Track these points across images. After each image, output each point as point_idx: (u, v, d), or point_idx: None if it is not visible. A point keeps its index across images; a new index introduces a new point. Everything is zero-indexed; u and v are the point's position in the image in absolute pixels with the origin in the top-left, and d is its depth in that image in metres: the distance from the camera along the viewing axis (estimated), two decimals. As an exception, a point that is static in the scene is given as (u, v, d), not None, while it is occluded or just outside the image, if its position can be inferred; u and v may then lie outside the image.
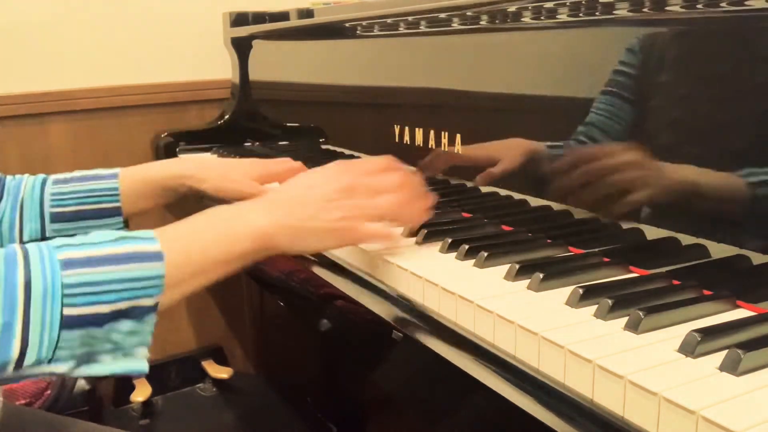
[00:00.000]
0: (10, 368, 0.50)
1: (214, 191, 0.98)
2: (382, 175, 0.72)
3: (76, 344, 0.52)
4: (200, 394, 1.77)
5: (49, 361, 0.51)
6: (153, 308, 0.55)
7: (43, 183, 0.92)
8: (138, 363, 0.56)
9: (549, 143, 0.78)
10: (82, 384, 1.20)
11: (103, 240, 0.56)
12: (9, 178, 0.93)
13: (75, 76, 1.62)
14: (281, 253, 0.67)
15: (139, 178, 0.94)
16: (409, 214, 0.73)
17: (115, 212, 0.92)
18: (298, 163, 1.06)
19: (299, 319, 1.50)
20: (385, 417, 1.35)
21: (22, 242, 0.87)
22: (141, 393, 1.60)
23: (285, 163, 1.06)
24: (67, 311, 0.51)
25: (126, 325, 0.54)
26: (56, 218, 0.91)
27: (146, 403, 1.62)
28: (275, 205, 0.67)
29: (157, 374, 1.70)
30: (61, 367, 0.52)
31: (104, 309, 0.53)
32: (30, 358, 0.50)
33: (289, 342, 1.74)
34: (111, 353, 0.54)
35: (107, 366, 0.54)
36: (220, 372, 1.74)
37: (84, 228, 0.92)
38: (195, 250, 0.60)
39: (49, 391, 1.15)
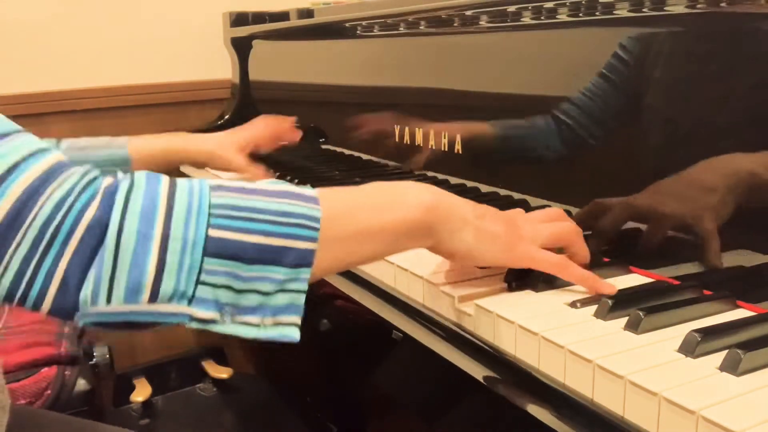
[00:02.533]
0: (145, 295, 0.44)
1: (218, 146, 1.10)
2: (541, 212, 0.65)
3: (220, 282, 0.46)
4: (200, 394, 1.77)
5: (190, 301, 0.45)
6: (307, 258, 0.48)
7: (57, 145, 0.96)
8: (287, 330, 0.49)
9: (545, 139, 0.78)
10: (82, 384, 1.20)
11: (256, 182, 0.51)
12: None
13: (75, 76, 1.62)
14: (435, 244, 0.58)
15: (146, 149, 1.02)
16: (582, 244, 0.63)
17: None
18: (268, 119, 1.18)
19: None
20: (385, 417, 1.35)
21: None
22: (141, 393, 1.60)
23: (259, 126, 1.16)
24: (214, 232, 0.46)
25: (277, 272, 0.48)
26: None
27: (146, 403, 1.62)
28: (439, 190, 0.59)
29: (157, 374, 1.70)
30: (202, 313, 0.46)
31: (253, 239, 0.47)
32: (168, 284, 0.44)
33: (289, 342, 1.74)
34: (258, 312, 0.48)
35: (253, 329, 0.48)
36: (220, 372, 1.74)
37: None
38: (355, 209, 0.54)
39: (49, 391, 1.15)
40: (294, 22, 1.45)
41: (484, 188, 0.88)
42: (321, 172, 1.21)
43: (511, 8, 0.81)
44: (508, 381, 0.53)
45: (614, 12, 0.69)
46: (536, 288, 0.61)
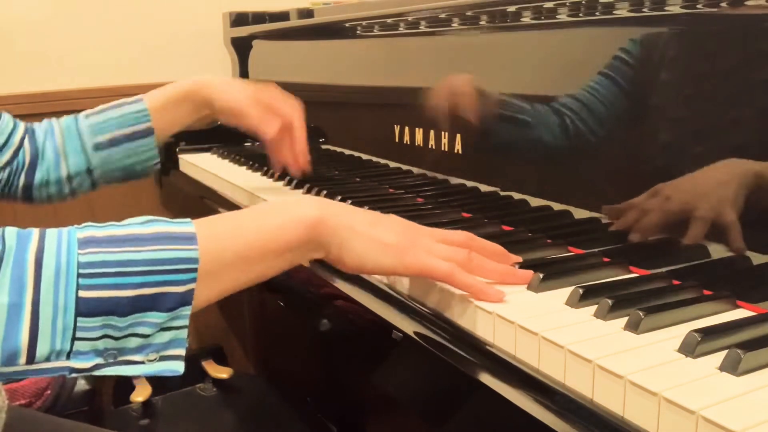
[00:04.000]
0: (22, 359, 0.45)
1: (221, 111, 1.01)
2: (448, 232, 0.64)
3: (97, 335, 0.47)
4: (200, 394, 1.76)
5: (68, 355, 0.46)
6: (185, 299, 0.49)
7: (77, 120, 0.97)
8: (172, 364, 0.50)
9: (546, 139, 0.78)
10: (82, 384, 1.20)
11: (130, 222, 0.51)
12: (36, 123, 0.97)
13: (75, 76, 1.62)
14: (328, 257, 0.59)
15: (162, 97, 1.01)
16: (480, 266, 0.61)
17: (148, 132, 0.98)
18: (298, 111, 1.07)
19: (299, 319, 1.50)
20: (385, 417, 1.35)
21: (69, 177, 0.94)
22: (141, 393, 1.60)
23: (282, 113, 1.04)
24: (84, 293, 0.46)
25: (155, 317, 0.48)
26: (97, 147, 0.96)
27: (146, 403, 1.62)
28: (333, 204, 0.60)
29: (157, 374, 1.70)
30: (82, 364, 0.47)
31: (126, 293, 0.47)
32: (43, 347, 0.45)
33: (289, 342, 1.74)
34: (141, 351, 0.49)
35: (138, 368, 0.49)
36: (220, 372, 1.74)
37: (124, 151, 0.97)
38: (235, 237, 0.54)
39: (49, 391, 1.15)
40: (294, 22, 1.45)
41: (484, 188, 0.88)
42: (321, 172, 1.21)
43: (511, 8, 0.81)
44: (507, 381, 0.53)
45: (614, 12, 0.69)
46: (536, 288, 0.62)
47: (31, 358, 0.46)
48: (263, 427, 1.64)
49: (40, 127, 0.98)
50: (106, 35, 1.65)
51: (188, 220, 0.52)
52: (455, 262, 0.59)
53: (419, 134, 0.98)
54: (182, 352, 0.51)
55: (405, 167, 1.05)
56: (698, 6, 0.61)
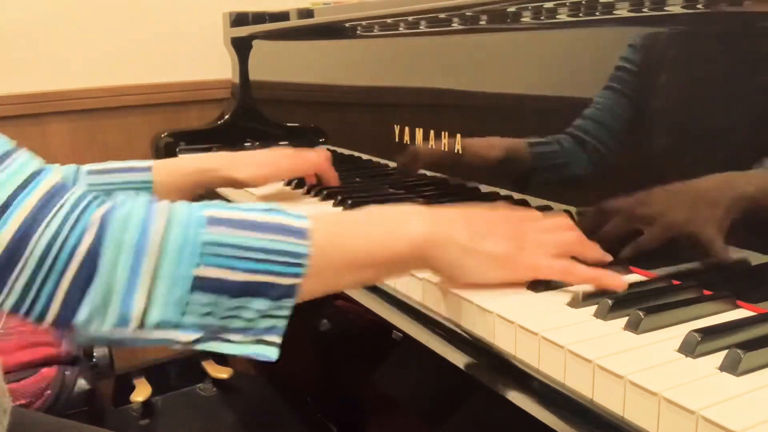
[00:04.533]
0: (133, 324, 0.47)
1: (252, 179, 0.99)
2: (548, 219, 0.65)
3: (205, 312, 0.49)
4: (200, 394, 1.77)
5: (176, 326, 0.48)
6: (291, 291, 0.51)
7: (76, 173, 0.92)
8: (267, 349, 0.51)
9: (545, 139, 0.78)
10: (82, 384, 1.20)
11: (253, 207, 0.52)
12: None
13: (75, 76, 1.62)
14: (437, 273, 0.60)
15: (173, 171, 0.95)
16: (591, 250, 0.63)
17: None
18: (324, 155, 1.05)
19: (299, 319, 1.50)
20: (385, 417, 1.35)
21: None
22: (141, 393, 1.60)
23: (310, 160, 1.04)
24: (201, 271, 0.48)
25: (260, 303, 0.50)
26: None
27: (146, 403, 1.62)
28: (441, 217, 0.59)
29: (157, 374, 1.70)
30: (186, 336, 0.49)
31: (239, 277, 0.49)
32: (154, 316, 0.47)
33: (289, 342, 1.74)
34: (241, 332, 0.50)
35: (235, 347, 0.50)
36: (220, 372, 1.74)
37: None
38: (346, 240, 0.55)
39: (49, 391, 1.15)
40: (294, 22, 1.45)
41: (484, 188, 0.88)
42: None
43: (511, 8, 0.81)
44: (507, 381, 0.53)
45: (614, 12, 0.69)
46: (535, 288, 0.61)
47: (142, 325, 0.47)
48: (263, 427, 1.64)
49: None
50: (106, 35, 1.65)
51: (305, 215, 0.53)
52: (568, 251, 0.61)
53: (419, 134, 0.98)
54: (279, 339, 0.52)
55: (405, 167, 1.05)
56: (698, 6, 0.61)
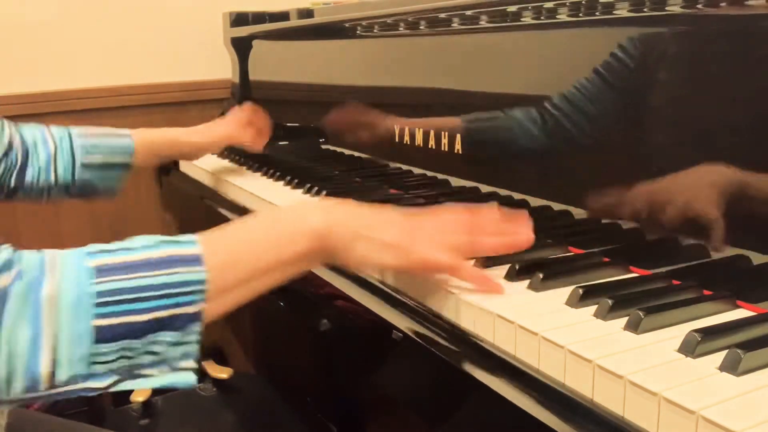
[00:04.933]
0: (43, 386, 0.47)
1: (220, 145, 1.25)
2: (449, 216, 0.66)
3: (114, 357, 0.49)
4: (200, 394, 1.76)
5: (86, 378, 0.48)
6: (196, 317, 0.51)
7: (69, 134, 1.04)
8: (184, 375, 0.52)
9: (546, 139, 0.78)
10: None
11: (140, 245, 0.52)
12: (25, 128, 1.01)
13: (75, 76, 1.62)
14: (335, 262, 0.62)
15: (147, 141, 1.13)
16: (481, 244, 0.64)
17: (127, 167, 1.09)
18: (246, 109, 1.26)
19: (299, 319, 1.50)
20: (385, 417, 1.35)
21: (53, 185, 1.00)
22: (141, 393, 1.60)
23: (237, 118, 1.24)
24: (100, 322, 0.48)
25: (167, 336, 0.51)
26: (85, 167, 1.03)
27: (146, 403, 1.62)
28: (334, 207, 0.62)
29: (157, 374, 1.70)
30: (100, 383, 0.49)
31: (141, 318, 0.49)
32: (62, 374, 0.47)
33: (289, 342, 1.74)
34: (155, 366, 0.51)
35: (150, 380, 0.51)
36: (220, 372, 1.74)
37: (104, 176, 1.06)
38: (242, 253, 0.56)
39: (49, 391, 1.15)
40: (294, 22, 1.45)
41: (484, 188, 0.88)
42: (321, 172, 1.21)
43: (511, 8, 0.81)
44: (507, 381, 0.53)
45: (614, 12, 0.69)
46: (536, 288, 0.62)
47: (51, 385, 0.48)
48: (263, 427, 1.64)
49: (28, 129, 1.01)
50: (106, 35, 1.65)
51: (194, 238, 0.54)
52: (458, 252, 0.61)
53: (419, 134, 0.98)
54: (193, 364, 0.53)
55: (405, 167, 1.05)
56: (698, 6, 0.61)
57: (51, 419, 0.80)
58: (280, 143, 1.50)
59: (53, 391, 0.48)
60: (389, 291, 0.70)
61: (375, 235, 0.60)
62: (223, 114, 1.63)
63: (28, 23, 1.57)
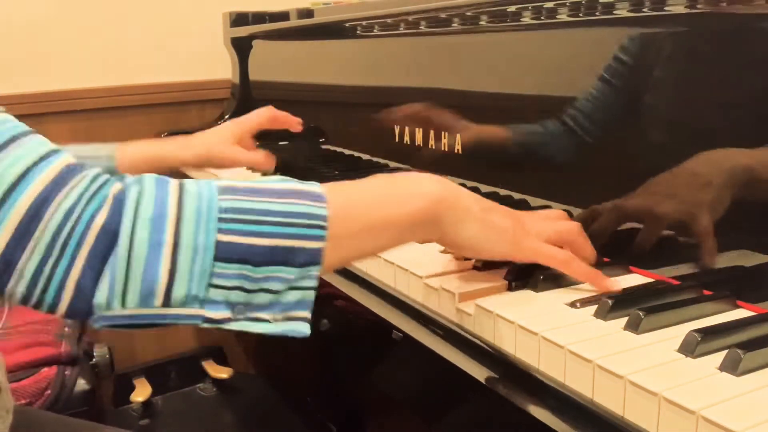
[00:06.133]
0: (158, 300, 0.45)
1: (198, 159, 1.01)
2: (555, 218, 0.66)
3: (231, 285, 0.47)
4: (200, 394, 1.77)
5: (202, 303, 0.46)
6: (316, 256, 0.49)
7: None
8: (299, 325, 0.50)
9: (546, 139, 0.78)
10: (82, 384, 1.20)
11: (264, 179, 0.52)
12: None
13: (75, 76, 1.62)
14: (442, 237, 0.58)
15: (133, 159, 0.97)
16: (585, 243, 0.63)
17: None
18: (268, 108, 1.05)
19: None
20: (385, 417, 1.35)
21: None
22: (141, 393, 1.60)
23: (251, 118, 1.04)
24: (223, 237, 0.46)
25: (286, 272, 0.48)
26: None
27: (146, 403, 1.62)
28: (448, 182, 0.59)
29: (157, 374, 1.70)
30: (214, 314, 0.47)
31: (263, 242, 0.47)
32: (179, 288, 0.45)
33: (289, 342, 1.74)
34: (269, 309, 0.49)
35: (264, 325, 0.49)
36: (220, 372, 1.74)
37: None
38: (360, 204, 0.54)
39: (49, 391, 1.15)
40: (294, 22, 1.45)
41: (484, 188, 0.88)
42: (321, 172, 1.21)
43: (511, 8, 0.81)
44: (507, 381, 0.53)
45: (614, 12, 0.69)
46: (536, 288, 0.61)
47: (167, 300, 0.46)
48: (263, 427, 1.64)
49: None
50: (106, 35, 1.65)
51: (317, 183, 0.53)
52: (566, 240, 0.61)
53: (419, 134, 0.98)
54: (308, 314, 0.51)
55: (405, 167, 1.05)
56: (698, 6, 0.61)
57: (55, 417, 0.80)
58: (281, 143, 1.50)
59: (167, 310, 0.46)
60: (389, 291, 0.70)
61: (490, 218, 0.58)
62: (222, 115, 1.63)
63: (28, 23, 1.57)
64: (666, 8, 0.64)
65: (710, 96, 0.62)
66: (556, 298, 0.60)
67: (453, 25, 0.93)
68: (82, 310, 0.46)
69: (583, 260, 0.62)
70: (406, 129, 1.01)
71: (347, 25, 1.16)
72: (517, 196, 0.83)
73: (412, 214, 0.55)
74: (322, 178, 1.11)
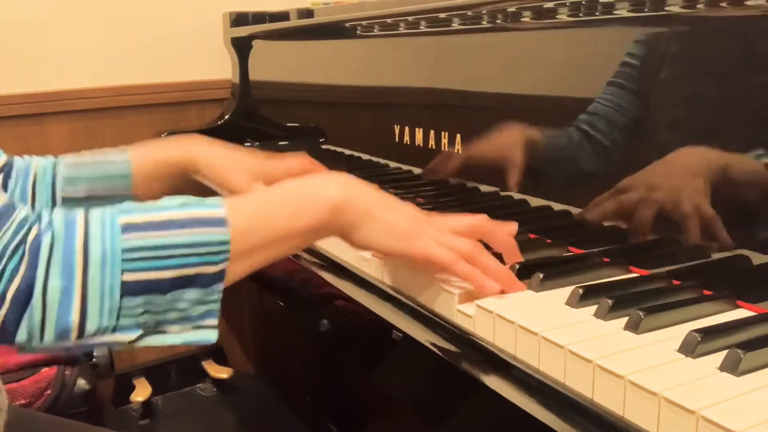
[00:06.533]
0: (72, 336, 0.50)
1: (215, 182, 0.97)
2: (464, 217, 0.66)
3: (140, 312, 0.51)
4: (200, 394, 1.77)
5: (113, 330, 0.51)
6: (219, 276, 0.54)
7: (54, 166, 0.91)
8: (206, 333, 0.54)
9: (546, 139, 0.78)
10: (82, 384, 1.20)
11: (167, 206, 0.54)
12: (17, 158, 0.91)
13: (75, 76, 1.62)
14: (345, 237, 0.63)
15: (149, 161, 0.92)
16: (482, 263, 0.62)
17: (125, 196, 0.91)
18: (302, 161, 0.97)
19: (299, 319, 1.50)
20: (385, 417, 1.36)
21: None
22: (141, 393, 1.60)
23: (288, 166, 0.96)
24: (128, 277, 0.50)
25: (192, 293, 0.53)
26: (67, 200, 0.90)
27: (146, 403, 1.62)
28: (353, 183, 0.63)
29: (157, 374, 1.70)
30: (126, 336, 0.51)
31: (167, 275, 0.52)
32: (91, 324, 0.50)
33: (289, 342, 1.74)
34: (178, 323, 0.54)
35: (175, 336, 0.54)
36: (220, 372, 1.74)
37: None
38: (261, 219, 0.58)
39: (49, 391, 1.15)
40: (294, 22, 1.45)
41: (484, 188, 0.88)
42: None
43: (511, 8, 0.81)
44: (508, 381, 0.53)
45: (614, 12, 0.69)
46: (536, 288, 0.62)
47: (81, 334, 0.50)
48: (263, 427, 1.64)
49: (19, 165, 0.89)
50: (106, 35, 1.65)
51: (220, 202, 0.56)
52: (459, 254, 0.61)
53: (419, 134, 0.98)
54: (215, 322, 0.55)
55: (405, 167, 1.05)
56: (698, 6, 0.61)
57: (52, 418, 0.80)
58: (281, 143, 1.51)
59: (82, 341, 0.51)
60: (389, 291, 0.70)
61: (386, 217, 0.62)
62: (222, 115, 1.63)
63: (28, 23, 1.57)
64: (667, 8, 0.64)
65: (714, 95, 0.62)
66: (557, 298, 0.60)
67: (453, 25, 0.93)
68: (7, 344, 0.51)
69: (503, 239, 0.66)
70: (406, 129, 1.01)
71: (347, 25, 1.16)
72: (517, 196, 0.83)
73: (315, 222, 0.60)
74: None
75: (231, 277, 0.55)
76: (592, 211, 0.71)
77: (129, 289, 0.51)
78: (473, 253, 0.62)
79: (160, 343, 0.54)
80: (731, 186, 0.59)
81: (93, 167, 0.91)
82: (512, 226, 0.68)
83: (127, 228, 0.52)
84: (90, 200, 0.90)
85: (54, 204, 0.89)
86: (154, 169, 0.93)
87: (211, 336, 0.55)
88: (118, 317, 0.51)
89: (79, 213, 0.53)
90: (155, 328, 0.53)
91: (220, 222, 0.54)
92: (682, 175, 0.62)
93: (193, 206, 0.55)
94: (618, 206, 0.68)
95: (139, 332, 0.52)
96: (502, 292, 0.61)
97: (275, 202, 0.60)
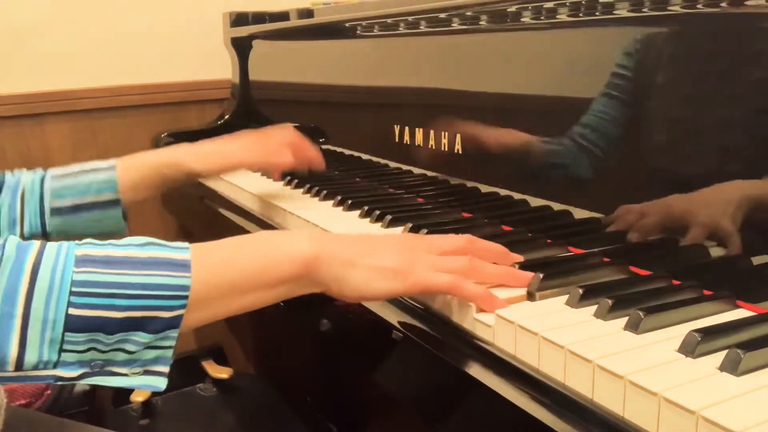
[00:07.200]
0: (10, 367, 0.47)
1: (210, 170, 1.01)
2: (448, 238, 0.64)
3: (84, 348, 0.48)
4: (200, 394, 1.77)
5: (55, 365, 0.48)
6: (173, 323, 0.51)
7: (42, 179, 0.92)
8: (155, 380, 0.52)
9: (546, 139, 0.78)
10: (82, 384, 1.20)
11: (128, 243, 0.52)
12: (8, 174, 0.93)
13: (75, 76, 1.62)
14: (325, 291, 0.60)
15: (136, 167, 0.94)
16: (481, 272, 0.61)
17: (114, 203, 0.92)
18: (290, 131, 1.04)
19: (299, 319, 1.50)
20: (385, 417, 1.35)
21: (23, 238, 0.87)
22: (141, 393, 1.60)
23: (277, 140, 1.03)
24: (74, 311, 0.48)
25: (141, 337, 0.50)
26: (56, 212, 0.91)
27: (146, 403, 1.62)
28: (325, 237, 0.61)
29: (157, 374, 1.70)
30: (68, 373, 0.49)
31: (115, 314, 0.48)
32: (31, 356, 0.47)
33: (289, 342, 1.74)
34: (127, 365, 0.51)
35: (120, 379, 0.51)
36: (220, 372, 1.74)
37: (84, 220, 0.91)
38: (228, 268, 0.55)
39: (49, 391, 1.15)
40: (294, 22, 1.45)
41: (484, 188, 0.88)
42: (321, 172, 1.21)
43: (511, 8, 0.81)
44: (507, 381, 0.53)
45: (614, 12, 0.69)
46: (536, 288, 0.61)
47: (19, 366, 0.47)
48: (263, 427, 1.64)
49: (9, 181, 0.92)
50: (105, 35, 1.65)
51: (186, 245, 0.53)
52: (457, 273, 0.59)
53: (419, 134, 0.98)
54: (166, 369, 0.52)
55: (405, 167, 1.05)
56: (698, 6, 0.61)
57: (51, 419, 0.80)
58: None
59: (20, 373, 0.48)
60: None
61: (371, 262, 0.58)
62: (222, 115, 1.63)
63: (28, 23, 1.57)
64: (667, 8, 0.64)
65: (710, 97, 0.62)
66: (557, 298, 0.60)
67: (453, 25, 0.93)
68: None
69: (491, 248, 0.63)
70: (406, 129, 1.01)
71: (347, 25, 1.16)
72: (517, 196, 0.83)
73: (281, 276, 0.56)
74: (322, 179, 1.12)
75: (189, 324, 0.52)
76: (624, 219, 0.69)
77: (73, 324, 0.48)
78: (473, 266, 0.60)
79: (106, 384, 0.50)
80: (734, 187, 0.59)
81: (79, 176, 0.92)
82: (500, 247, 0.65)
83: (83, 261, 0.49)
84: (78, 211, 0.91)
85: (42, 215, 0.90)
86: (139, 173, 0.94)
87: (159, 383, 0.52)
88: (60, 351, 0.48)
89: (36, 241, 0.50)
90: (102, 367, 0.50)
91: (183, 265, 0.51)
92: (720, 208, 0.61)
93: (157, 247, 0.52)
94: (663, 223, 0.66)
95: (83, 370, 0.49)
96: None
97: (244, 251, 0.57)
